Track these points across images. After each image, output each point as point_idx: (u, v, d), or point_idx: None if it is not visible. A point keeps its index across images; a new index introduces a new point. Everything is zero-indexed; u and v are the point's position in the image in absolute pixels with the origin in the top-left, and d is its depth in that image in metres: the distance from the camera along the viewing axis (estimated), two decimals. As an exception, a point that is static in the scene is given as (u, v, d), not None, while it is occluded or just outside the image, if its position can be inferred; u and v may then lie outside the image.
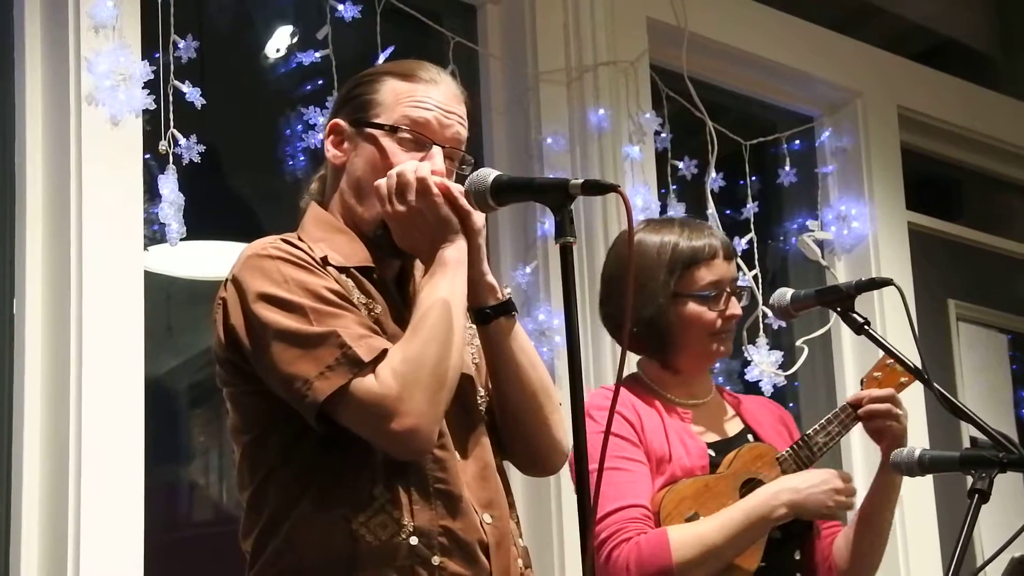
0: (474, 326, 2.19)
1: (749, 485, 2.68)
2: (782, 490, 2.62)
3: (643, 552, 2.54)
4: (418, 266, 2.22)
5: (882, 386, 2.79)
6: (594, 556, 2.54)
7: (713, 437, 2.75)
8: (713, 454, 2.70)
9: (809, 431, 2.75)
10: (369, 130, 2.18)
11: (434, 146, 2.17)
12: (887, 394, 2.75)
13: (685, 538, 2.55)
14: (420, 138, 2.17)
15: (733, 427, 2.81)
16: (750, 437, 2.78)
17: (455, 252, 2.10)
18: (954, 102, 5.24)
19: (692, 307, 2.71)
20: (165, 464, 3.75)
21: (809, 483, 2.63)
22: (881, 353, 2.67)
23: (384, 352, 2.00)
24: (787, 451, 2.74)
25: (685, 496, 2.62)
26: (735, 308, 2.75)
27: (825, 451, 2.76)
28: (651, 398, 2.74)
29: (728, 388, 3.03)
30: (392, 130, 2.17)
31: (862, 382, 2.85)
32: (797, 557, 2.74)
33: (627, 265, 2.69)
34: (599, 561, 2.57)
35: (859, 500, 2.77)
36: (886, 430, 2.73)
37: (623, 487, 2.60)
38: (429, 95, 2.19)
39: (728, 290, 2.74)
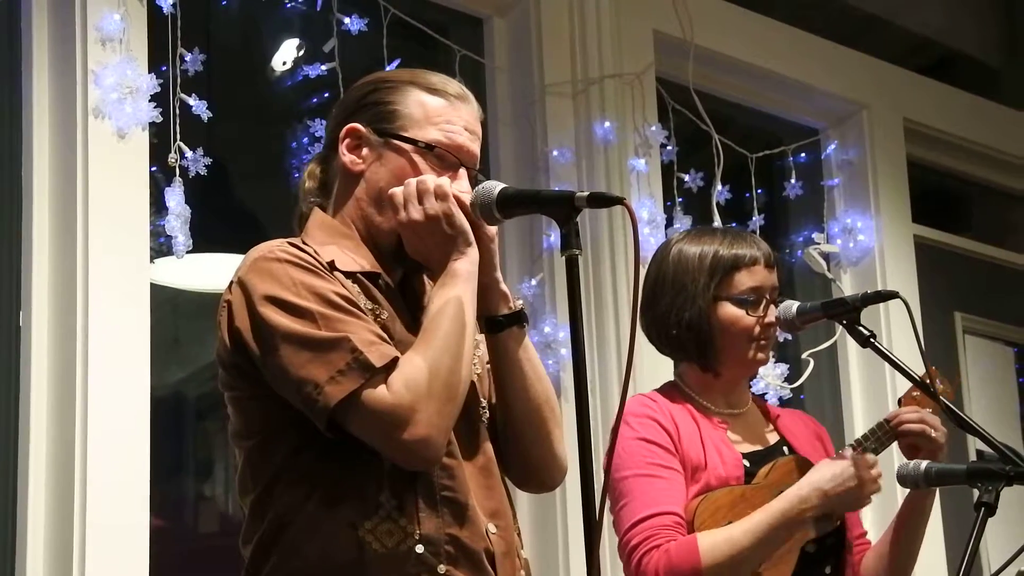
0: (480, 336, 2.17)
1: None
2: (811, 490, 2.58)
3: (672, 558, 2.52)
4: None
5: (921, 405, 2.78)
6: (623, 564, 2.56)
7: (749, 448, 2.74)
8: (748, 465, 2.69)
9: (845, 447, 2.72)
10: (398, 142, 2.15)
11: (462, 168, 2.15)
12: (920, 413, 2.73)
13: (715, 542, 2.53)
14: (452, 160, 2.15)
15: (769, 439, 2.80)
16: (785, 449, 2.77)
17: (467, 264, 2.08)
18: (960, 114, 5.24)
19: (731, 310, 2.71)
20: (171, 476, 3.75)
21: (836, 479, 2.59)
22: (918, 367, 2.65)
23: (395, 360, 1.98)
24: None
25: (720, 505, 2.61)
26: (774, 316, 2.74)
27: None
28: (689, 406, 2.73)
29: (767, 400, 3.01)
30: (428, 148, 2.14)
31: (900, 401, 2.84)
32: (828, 572, 2.72)
33: (665, 273, 2.73)
34: (628, 568, 2.57)
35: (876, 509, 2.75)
36: (920, 447, 2.72)
37: (657, 494, 2.59)
38: (461, 116, 2.17)
39: (768, 298, 2.73)
